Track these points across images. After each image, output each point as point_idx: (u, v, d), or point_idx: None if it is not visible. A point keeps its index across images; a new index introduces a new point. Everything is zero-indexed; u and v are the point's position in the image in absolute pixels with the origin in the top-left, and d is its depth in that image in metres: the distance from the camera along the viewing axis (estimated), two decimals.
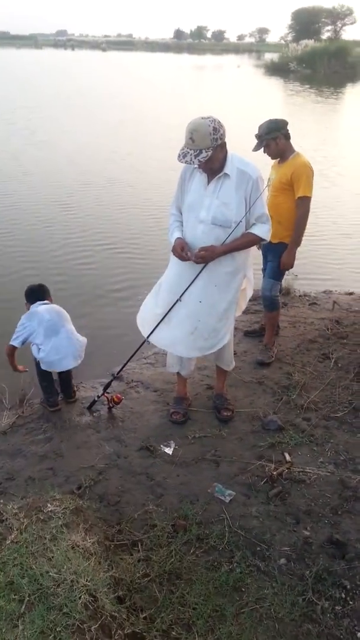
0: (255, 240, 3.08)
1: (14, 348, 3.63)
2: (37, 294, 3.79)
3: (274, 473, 3.04)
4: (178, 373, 3.66)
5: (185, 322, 3.22)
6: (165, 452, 3.29)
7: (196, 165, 2.87)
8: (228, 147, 2.95)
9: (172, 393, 3.89)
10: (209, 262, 3.03)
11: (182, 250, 3.03)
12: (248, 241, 3.07)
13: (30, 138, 14.01)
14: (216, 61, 72.85)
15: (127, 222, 7.96)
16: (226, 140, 2.89)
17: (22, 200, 8.79)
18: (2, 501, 2.68)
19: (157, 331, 3.32)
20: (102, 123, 17.26)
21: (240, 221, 3.00)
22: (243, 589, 2.41)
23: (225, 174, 2.95)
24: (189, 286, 3.12)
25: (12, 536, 2.13)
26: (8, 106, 20.05)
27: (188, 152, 2.81)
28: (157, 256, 6.56)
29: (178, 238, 3.11)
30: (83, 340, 3.76)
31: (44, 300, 3.77)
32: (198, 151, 2.79)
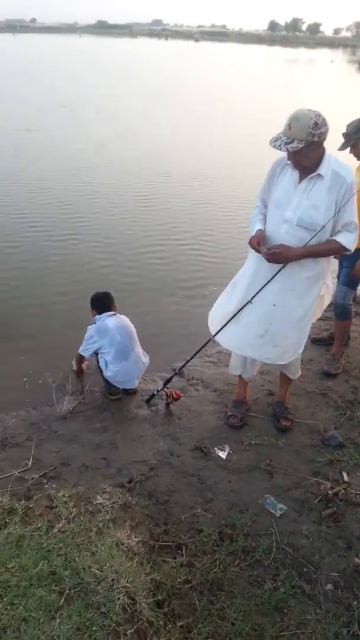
0: (338, 249, 2.91)
1: (82, 357, 3.83)
2: (103, 302, 3.88)
3: (330, 492, 2.92)
4: (240, 376, 3.59)
5: (255, 325, 3.11)
6: (219, 455, 3.24)
7: (284, 151, 2.74)
8: None
9: (231, 395, 3.83)
10: (282, 262, 2.90)
11: (257, 244, 2.93)
12: (330, 249, 2.90)
13: (116, 127, 14.27)
14: (309, 55, 71.02)
15: (204, 218, 7.89)
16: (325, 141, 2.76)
17: (103, 189, 8.97)
18: (55, 486, 2.76)
19: (225, 331, 3.22)
20: (189, 115, 17.29)
21: (325, 226, 2.84)
22: (285, 611, 2.33)
23: (319, 175, 2.80)
24: (262, 288, 3.01)
25: (60, 525, 2.16)
26: (98, 93, 20.56)
27: (280, 138, 2.70)
28: (230, 255, 6.48)
29: (259, 230, 3.01)
30: (147, 362, 3.88)
31: (109, 309, 3.85)
32: (290, 140, 2.67)
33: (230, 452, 3.27)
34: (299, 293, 3.01)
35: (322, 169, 2.79)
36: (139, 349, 3.83)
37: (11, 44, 66.71)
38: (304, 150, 2.70)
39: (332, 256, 3.13)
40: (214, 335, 3.33)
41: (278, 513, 2.83)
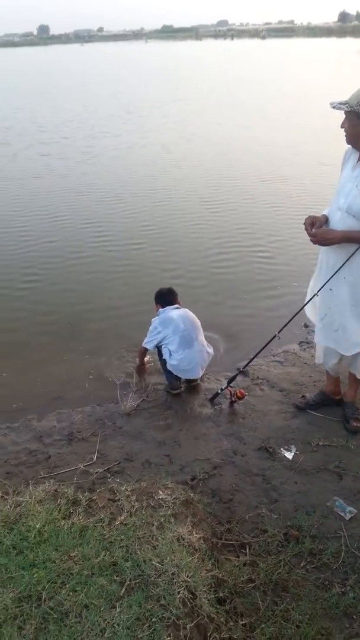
0: None
1: (145, 350, 3.90)
2: (167, 297, 3.94)
3: None
4: (327, 370, 3.53)
5: (320, 308, 3.20)
6: (285, 456, 3.16)
7: (335, 109, 2.72)
8: None
9: (298, 395, 3.73)
10: (324, 244, 2.93)
11: (310, 225, 2.93)
12: None
13: (181, 131, 14.39)
14: None
15: (272, 222, 7.68)
16: None
17: (169, 194, 9.03)
18: (118, 480, 2.80)
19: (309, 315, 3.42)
20: (254, 114, 17.14)
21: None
22: (354, 617, 2.22)
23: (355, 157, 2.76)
24: (329, 279, 3.01)
25: (122, 517, 2.18)
26: (165, 98, 20.84)
27: (338, 101, 2.72)
28: (298, 257, 6.31)
29: (323, 214, 3.02)
30: (211, 351, 3.91)
31: (173, 304, 3.91)
32: (344, 104, 2.68)
33: (297, 452, 3.18)
34: (351, 281, 2.95)
35: None
36: (202, 339, 3.84)
37: (79, 54, 69.07)
38: (349, 117, 2.71)
39: None
40: (279, 331, 3.34)
41: (348, 516, 2.72)
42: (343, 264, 2.91)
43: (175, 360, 3.70)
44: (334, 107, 2.74)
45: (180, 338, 3.69)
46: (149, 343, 3.80)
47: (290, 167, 10.44)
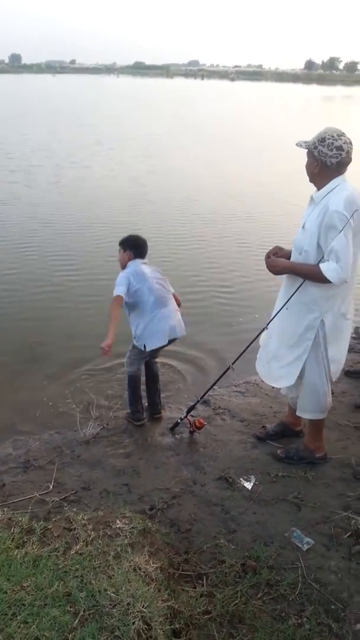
0: (317, 274, 2.81)
1: (120, 299, 3.38)
2: (142, 248, 3.64)
3: None
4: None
5: (263, 336, 3.27)
6: (244, 486, 3.16)
7: (297, 146, 2.92)
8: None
9: (259, 425, 3.76)
10: (271, 272, 3.05)
11: (272, 253, 3.11)
12: (310, 271, 2.85)
13: (152, 164, 14.57)
14: (347, 92, 71.91)
15: (239, 257, 7.78)
16: (329, 168, 2.80)
17: (141, 229, 9.09)
18: (75, 510, 2.74)
19: None
20: (224, 151, 17.60)
21: (307, 250, 2.88)
22: None
23: (313, 199, 2.91)
24: (277, 312, 3.14)
25: (78, 547, 2.13)
26: (136, 132, 21.21)
27: (303, 140, 2.91)
28: (262, 296, 6.43)
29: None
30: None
31: (143, 258, 3.66)
32: (305, 143, 2.87)
33: (256, 483, 3.19)
34: (293, 312, 3.05)
35: (319, 195, 2.87)
36: (174, 303, 3.65)
37: (51, 84, 69.85)
38: (308, 158, 2.87)
39: (332, 294, 2.95)
40: (233, 362, 3.42)
41: (305, 547, 2.73)
42: (290, 297, 3.01)
43: (153, 324, 3.46)
44: (297, 145, 2.92)
45: (156, 298, 3.46)
46: (119, 287, 3.38)
47: (257, 205, 10.69)
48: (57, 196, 10.78)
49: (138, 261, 3.59)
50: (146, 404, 3.87)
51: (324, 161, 2.77)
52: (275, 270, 3.03)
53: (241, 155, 16.62)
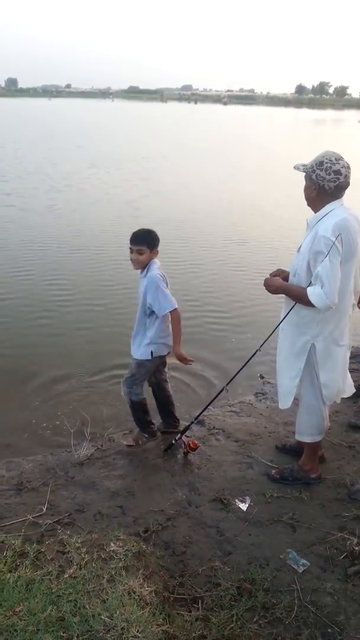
0: (304, 298, 2.82)
1: (178, 311, 3.42)
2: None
3: (356, 548, 2.77)
4: None
5: None
6: (239, 507, 3.14)
7: (295, 169, 2.97)
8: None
9: (254, 445, 3.75)
10: (267, 290, 3.10)
11: (272, 275, 3.19)
12: (299, 294, 2.88)
13: (147, 188, 14.63)
14: (337, 116, 73.28)
15: (233, 281, 7.82)
16: (326, 192, 2.81)
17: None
18: (68, 532, 2.70)
19: None
20: (218, 174, 17.80)
21: (298, 272, 2.93)
22: None
23: (307, 223, 2.94)
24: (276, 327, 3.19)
25: (71, 570, 2.10)
26: (131, 155, 21.42)
27: (301, 163, 2.93)
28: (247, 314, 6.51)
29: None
30: None
31: None
32: (302, 166, 2.89)
33: (252, 504, 3.17)
34: (287, 334, 3.09)
35: (313, 219, 2.90)
36: None
37: (46, 108, 70.70)
38: (306, 181, 2.89)
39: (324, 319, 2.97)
40: (227, 384, 3.46)
41: (301, 569, 2.70)
42: (284, 318, 3.06)
43: (165, 329, 3.48)
44: (295, 168, 2.96)
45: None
46: (171, 299, 3.37)
47: (253, 229, 10.67)
48: (51, 220, 10.74)
49: (158, 262, 3.50)
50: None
51: (322, 185, 2.78)
52: (270, 289, 3.08)
53: (237, 176, 16.78)
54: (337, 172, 2.76)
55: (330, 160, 2.76)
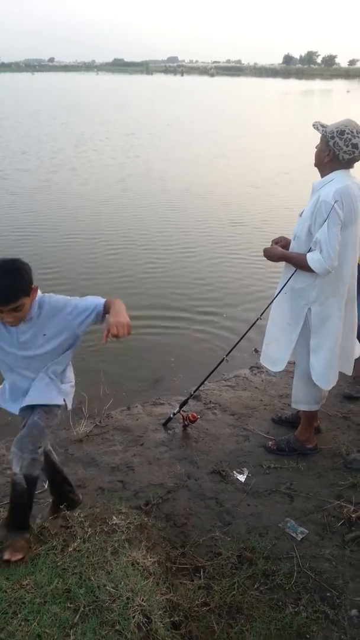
0: (304, 263, 2.86)
1: None
2: None
3: (353, 515, 2.84)
4: None
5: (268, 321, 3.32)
6: (237, 478, 3.19)
7: (314, 127, 2.92)
8: None
9: (250, 418, 3.79)
10: (268, 259, 3.14)
11: (274, 242, 3.21)
12: (299, 260, 2.92)
13: (136, 165, 14.37)
14: (325, 86, 72.32)
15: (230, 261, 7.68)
16: (339, 162, 2.82)
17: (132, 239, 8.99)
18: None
19: None
20: (209, 151, 17.55)
21: (298, 236, 2.96)
22: (307, 636, 2.25)
23: (313, 188, 2.93)
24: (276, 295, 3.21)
25: (75, 544, 2.13)
26: (118, 131, 21.01)
27: (320, 123, 2.90)
28: (238, 279, 6.49)
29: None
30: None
31: None
32: (322, 127, 2.86)
33: (249, 475, 3.22)
34: (287, 298, 3.12)
35: (318, 184, 2.90)
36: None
37: (29, 83, 69.01)
38: (321, 143, 2.86)
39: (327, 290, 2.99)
40: (227, 354, 3.47)
41: (299, 537, 2.77)
42: (285, 283, 3.08)
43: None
44: (314, 127, 2.91)
45: None
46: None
47: (251, 209, 10.17)
48: (42, 204, 10.06)
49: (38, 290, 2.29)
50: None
51: (337, 154, 2.77)
52: (271, 258, 3.11)
53: (225, 156, 16.50)
54: (355, 146, 2.74)
55: (352, 132, 2.73)
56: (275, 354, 3.24)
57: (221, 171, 13.68)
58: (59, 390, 2.43)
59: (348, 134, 2.73)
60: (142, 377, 4.45)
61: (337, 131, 2.75)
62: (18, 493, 2.20)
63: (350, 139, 2.73)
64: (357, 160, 2.83)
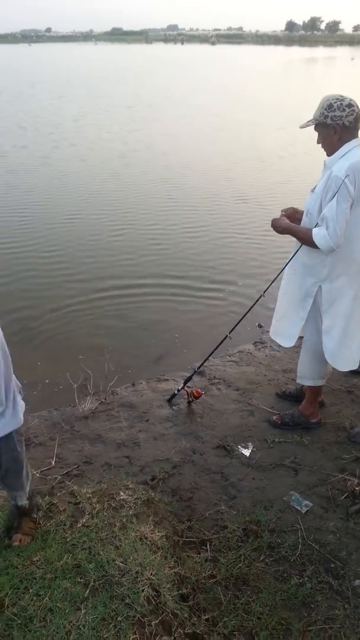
0: (309, 239, 2.82)
1: None
2: None
3: (357, 489, 2.87)
4: None
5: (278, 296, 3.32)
6: (242, 453, 3.23)
7: (303, 128, 2.88)
8: None
9: (254, 393, 3.81)
10: (275, 231, 3.09)
11: (284, 211, 3.16)
12: (305, 235, 2.88)
13: (139, 140, 14.05)
14: (329, 53, 70.65)
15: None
16: (348, 129, 2.73)
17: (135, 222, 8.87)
18: (78, 484, 2.78)
19: None
20: (212, 125, 17.27)
21: (310, 212, 2.92)
22: (312, 606, 2.30)
23: (325, 163, 2.87)
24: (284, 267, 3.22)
25: (84, 520, 2.17)
26: (119, 103, 20.60)
27: (305, 121, 2.84)
28: (242, 254, 6.45)
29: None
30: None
31: None
32: (310, 121, 2.81)
33: (254, 450, 3.25)
34: (297, 274, 3.10)
35: (331, 159, 2.83)
36: None
37: (26, 54, 67.56)
38: (319, 130, 2.80)
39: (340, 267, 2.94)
40: (230, 331, 3.46)
41: (304, 510, 2.80)
42: (292, 257, 3.08)
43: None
44: (303, 127, 2.86)
45: None
46: None
47: (256, 184, 9.88)
48: (42, 182, 9.81)
49: None
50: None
51: (342, 123, 2.70)
52: (278, 230, 3.07)
53: (234, 125, 16.21)
54: (349, 105, 2.70)
55: (337, 99, 2.70)
56: (285, 329, 3.23)
57: (224, 145, 13.44)
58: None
59: (335, 102, 2.69)
60: (147, 353, 4.47)
61: (325, 109, 2.71)
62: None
63: (341, 104, 2.69)
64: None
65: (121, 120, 16.87)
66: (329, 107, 2.70)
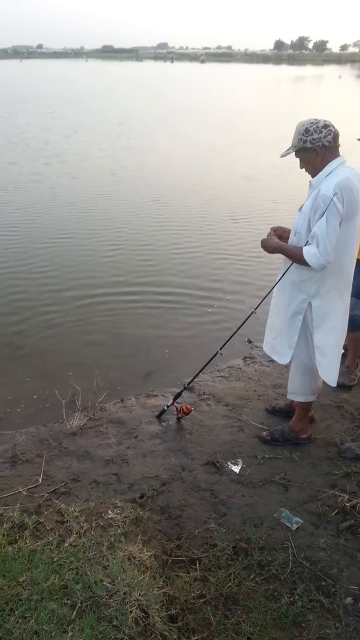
0: (300, 257, 2.84)
1: None
2: None
3: (347, 505, 2.86)
4: None
5: (269, 314, 3.35)
6: (232, 469, 3.20)
7: (284, 157, 2.92)
8: None
9: (244, 409, 3.80)
10: (264, 250, 3.09)
11: (272, 230, 3.18)
12: (295, 253, 2.90)
13: (130, 158, 14.12)
14: (316, 72, 71.92)
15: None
16: (328, 149, 2.77)
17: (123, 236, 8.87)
18: (65, 502, 2.74)
19: None
20: (204, 140, 17.39)
21: (299, 231, 2.93)
22: (303, 625, 2.27)
23: (310, 183, 2.91)
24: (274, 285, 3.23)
25: (71, 539, 2.14)
26: (109, 120, 20.74)
27: (285, 150, 2.88)
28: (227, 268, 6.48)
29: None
30: None
31: None
32: (289, 149, 2.85)
33: (244, 466, 3.23)
34: (286, 292, 3.12)
35: (316, 179, 2.86)
36: None
37: (18, 70, 68.01)
38: (300, 156, 2.85)
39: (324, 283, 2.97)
40: (221, 347, 3.44)
41: (294, 526, 2.78)
42: (282, 275, 3.08)
43: None
44: (284, 156, 2.90)
45: None
46: None
47: (247, 202, 9.93)
48: (33, 200, 9.67)
49: None
50: None
51: (322, 144, 2.74)
52: (268, 249, 3.08)
53: (225, 143, 16.34)
54: (325, 126, 2.75)
55: (312, 123, 2.76)
56: (282, 347, 3.24)
57: (215, 164, 13.49)
58: None
59: (311, 126, 2.74)
60: (136, 369, 4.45)
61: (302, 134, 2.76)
62: None
63: (317, 127, 2.74)
64: (338, 136, 2.80)
65: (112, 137, 16.92)
66: (306, 131, 2.75)
